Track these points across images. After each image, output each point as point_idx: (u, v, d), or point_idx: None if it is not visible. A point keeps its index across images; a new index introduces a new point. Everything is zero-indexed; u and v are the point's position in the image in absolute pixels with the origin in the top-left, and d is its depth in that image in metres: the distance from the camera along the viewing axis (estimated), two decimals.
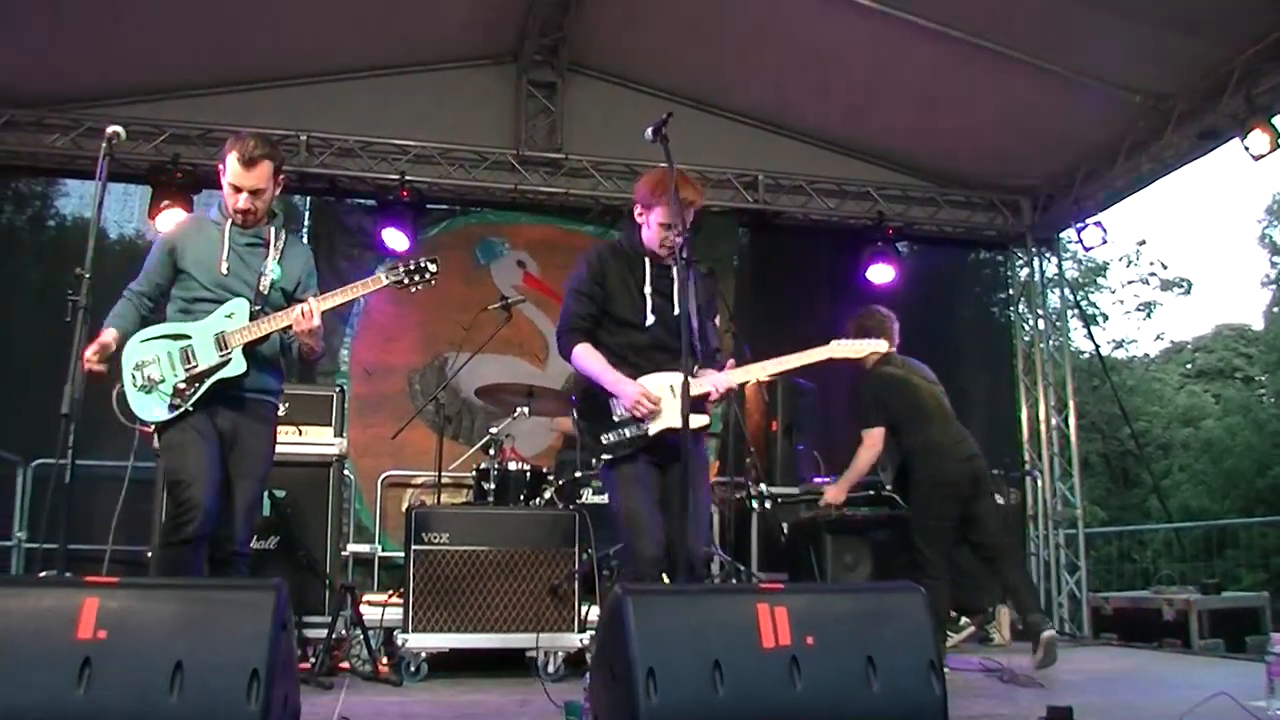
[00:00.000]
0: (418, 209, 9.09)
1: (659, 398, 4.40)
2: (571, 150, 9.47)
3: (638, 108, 9.07)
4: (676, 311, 4.49)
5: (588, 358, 4.53)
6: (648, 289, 4.55)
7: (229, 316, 4.51)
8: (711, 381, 4.47)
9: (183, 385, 4.43)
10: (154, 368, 4.45)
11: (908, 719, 3.05)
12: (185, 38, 8.13)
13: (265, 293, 4.59)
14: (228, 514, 4.46)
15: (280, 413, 5.67)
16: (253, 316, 4.51)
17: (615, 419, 4.49)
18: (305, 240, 9.25)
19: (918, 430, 6.47)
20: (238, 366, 4.47)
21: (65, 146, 8.55)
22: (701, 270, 4.69)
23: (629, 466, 4.46)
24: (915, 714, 3.05)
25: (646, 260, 4.62)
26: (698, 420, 4.30)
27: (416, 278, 4.74)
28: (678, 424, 4.16)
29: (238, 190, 4.56)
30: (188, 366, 4.45)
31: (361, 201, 9.38)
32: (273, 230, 4.73)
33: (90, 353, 4.31)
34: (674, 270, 4.54)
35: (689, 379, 4.05)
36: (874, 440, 6.46)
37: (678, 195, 4.39)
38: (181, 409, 4.41)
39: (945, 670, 3.23)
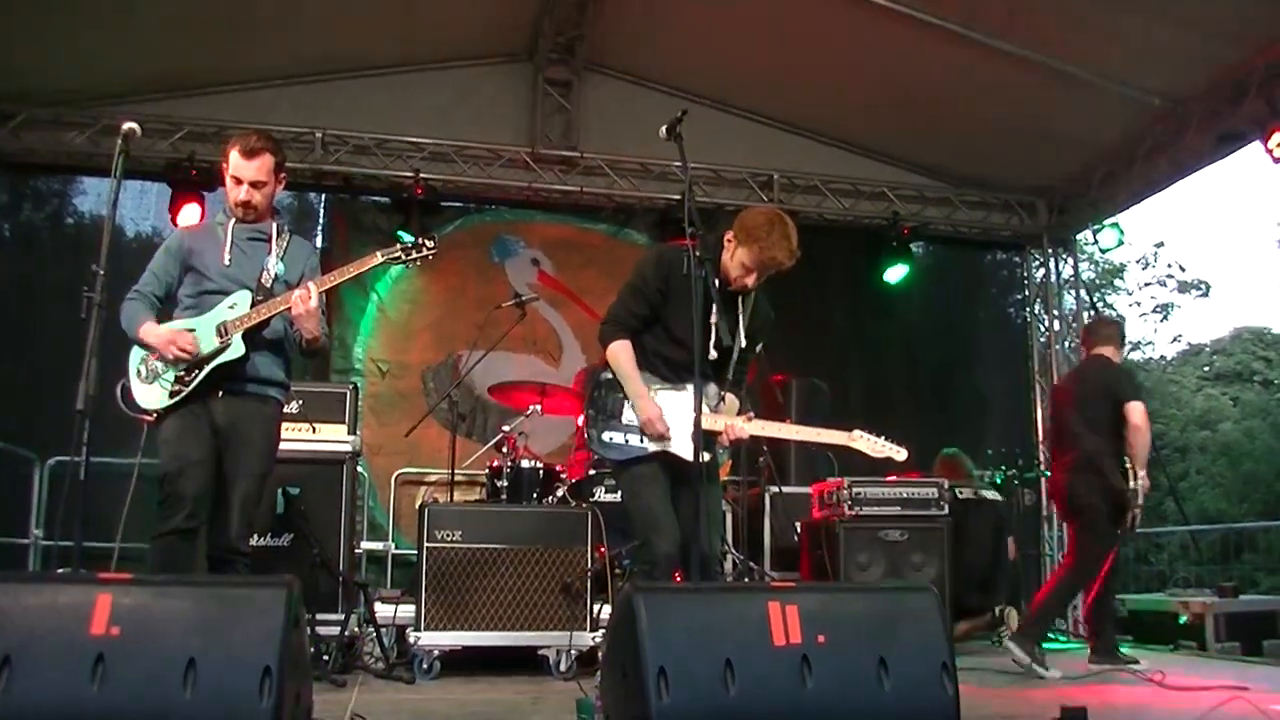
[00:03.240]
0: (432, 206, 9.11)
1: (668, 426, 4.38)
2: (587, 149, 9.48)
3: (654, 106, 9.05)
4: (727, 342, 4.49)
5: (624, 358, 4.49)
6: (714, 318, 4.43)
7: (231, 307, 4.54)
8: (726, 423, 4.45)
9: (183, 373, 4.46)
10: (158, 360, 4.50)
11: (920, 719, 3.05)
12: (202, 36, 8.14)
13: (268, 285, 4.61)
14: (223, 512, 4.48)
15: (293, 409, 5.68)
16: (254, 307, 4.53)
17: (623, 421, 4.48)
18: (319, 238, 9.32)
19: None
20: (236, 350, 4.47)
21: (83, 144, 8.59)
22: (761, 293, 4.68)
23: (642, 466, 4.44)
24: (927, 714, 3.05)
25: (718, 283, 4.51)
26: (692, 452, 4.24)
27: (414, 253, 4.72)
28: (684, 453, 4.33)
29: (239, 182, 4.61)
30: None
31: (376, 199, 9.40)
32: (275, 227, 4.77)
33: (180, 344, 4.41)
34: (739, 300, 4.56)
35: (702, 411, 4.11)
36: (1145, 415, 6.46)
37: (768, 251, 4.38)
38: (181, 395, 4.44)
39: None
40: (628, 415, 4.48)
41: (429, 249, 4.74)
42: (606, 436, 4.49)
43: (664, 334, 4.53)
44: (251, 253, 4.67)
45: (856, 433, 4.57)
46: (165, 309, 4.65)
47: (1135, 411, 6.43)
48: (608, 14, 8.58)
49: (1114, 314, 23.88)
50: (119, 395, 4.57)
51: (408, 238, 4.87)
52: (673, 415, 4.41)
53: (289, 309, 4.49)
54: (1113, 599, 6.93)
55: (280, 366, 4.75)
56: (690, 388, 4.25)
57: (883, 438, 4.57)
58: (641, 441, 4.43)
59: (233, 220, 4.68)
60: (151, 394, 4.49)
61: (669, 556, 4.30)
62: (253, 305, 4.53)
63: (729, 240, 4.50)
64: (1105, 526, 6.38)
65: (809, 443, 4.76)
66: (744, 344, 4.55)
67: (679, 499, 4.42)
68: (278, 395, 4.74)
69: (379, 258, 4.68)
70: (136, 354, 4.56)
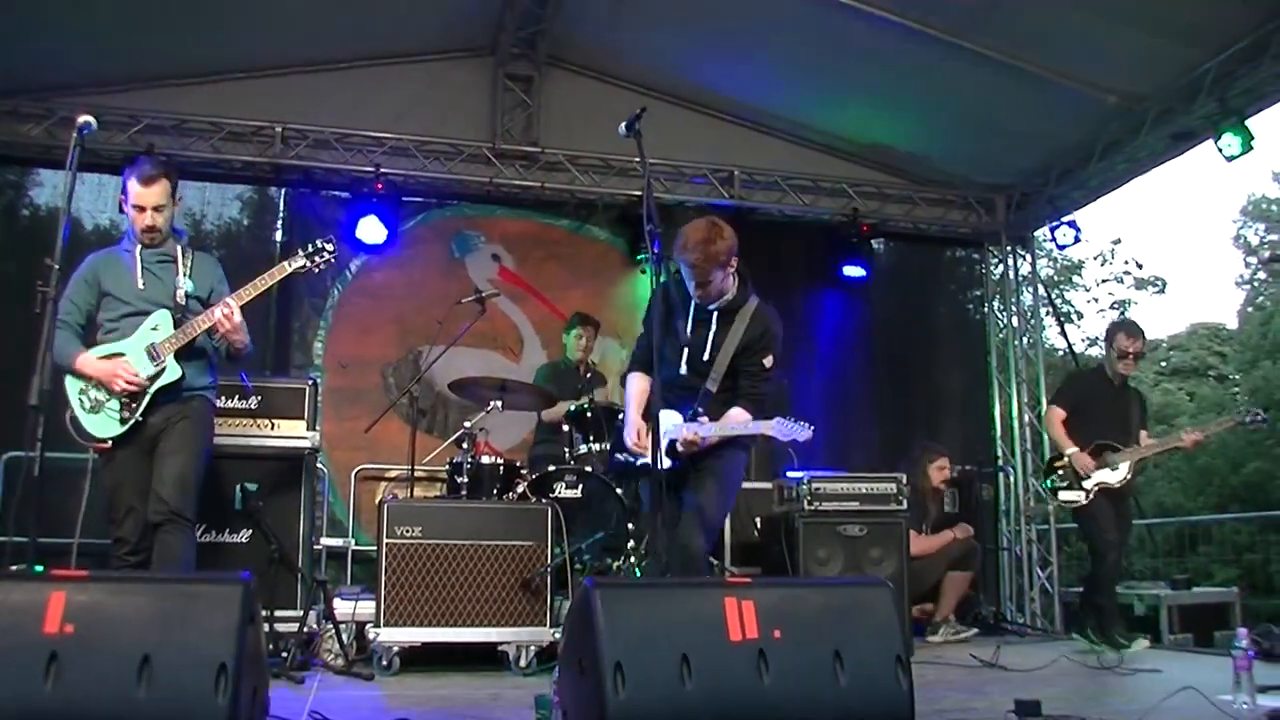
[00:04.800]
0: (393, 202, 9.05)
1: (644, 445, 4.91)
2: (548, 144, 9.44)
3: (615, 102, 9.05)
4: (706, 355, 4.96)
5: (627, 388, 5.21)
6: (687, 333, 4.98)
7: (154, 329, 4.83)
8: (680, 430, 4.89)
9: (127, 399, 4.74)
10: (96, 390, 4.77)
11: (875, 712, 3.07)
12: (162, 27, 8.06)
13: (183, 303, 4.92)
14: (158, 485, 4.75)
15: (252, 405, 5.83)
16: (176, 325, 4.84)
17: (626, 443, 5.09)
18: (279, 231, 9.26)
19: None
20: (173, 372, 4.81)
21: (39, 136, 8.45)
22: (761, 309, 5.08)
23: (643, 477, 5.15)
24: (882, 707, 3.08)
25: (693, 303, 4.98)
26: (664, 463, 4.63)
27: (318, 258, 5.11)
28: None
29: (141, 210, 4.91)
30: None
31: (336, 194, 9.29)
32: (179, 248, 5.07)
33: (123, 379, 4.71)
34: (716, 315, 4.98)
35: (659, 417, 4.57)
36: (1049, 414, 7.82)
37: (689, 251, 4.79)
38: (131, 421, 4.75)
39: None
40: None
41: (330, 252, 5.12)
42: (615, 456, 5.27)
43: (660, 358, 4.84)
44: (162, 274, 4.97)
45: (776, 419, 4.89)
46: (89, 332, 4.92)
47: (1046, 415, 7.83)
48: (569, 9, 8.57)
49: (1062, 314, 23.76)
50: (69, 426, 4.77)
51: (324, 246, 5.12)
52: (663, 429, 4.72)
53: (214, 327, 4.83)
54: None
55: (207, 373, 5.08)
56: (680, 402, 4.93)
57: (790, 420, 4.89)
58: (631, 458, 5.09)
59: (139, 246, 4.96)
60: (102, 424, 4.78)
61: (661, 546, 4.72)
62: (175, 324, 4.84)
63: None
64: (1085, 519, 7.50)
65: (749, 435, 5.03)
66: (729, 356, 4.94)
67: (682, 502, 4.95)
68: (208, 395, 5.07)
69: (287, 268, 5.06)
70: (74, 384, 4.79)
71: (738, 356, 4.94)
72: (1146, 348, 7.95)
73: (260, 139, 8.94)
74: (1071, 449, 7.42)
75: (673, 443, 4.86)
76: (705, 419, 4.92)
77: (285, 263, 5.07)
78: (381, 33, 8.92)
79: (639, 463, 5.05)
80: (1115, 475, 7.34)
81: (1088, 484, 7.36)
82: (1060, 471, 7.51)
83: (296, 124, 8.99)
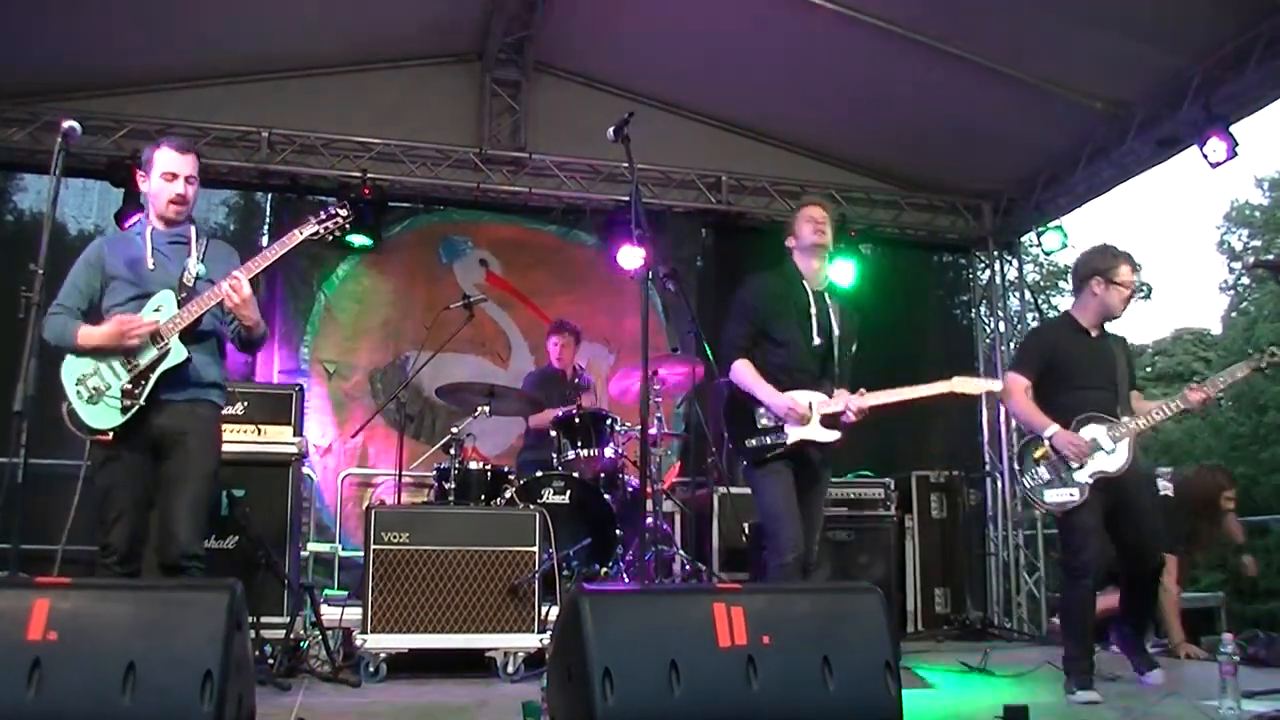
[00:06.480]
0: (380, 207, 9.02)
1: (807, 406, 5.00)
2: (535, 150, 9.43)
3: (602, 108, 9.03)
4: (817, 341, 5.17)
5: (746, 371, 5.10)
6: (814, 309, 5.18)
7: (157, 310, 4.54)
8: (845, 401, 5.04)
9: (129, 386, 4.46)
10: (96, 378, 4.49)
11: (863, 718, 3.07)
12: (146, 31, 8.03)
13: (190, 284, 4.62)
14: (170, 520, 4.47)
15: (238, 411, 5.69)
16: (180, 306, 4.54)
17: (758, 426, 5.04)
18: (265, 237, 9.21)
19: None
20: (178, 354, 4.50)
21: (23, 140, 8.41)
22: (848, 306, 5.45)
23: (774, 465, 5.03)
24: (870, 713, 3.07)
25: (805, 286, 5.24)
26: (832, 435, 5.05)
27: (330, 224, 4.83)
28: (815, 436, 5.02)
29: (173, 176, 4.67)
30: (129, 367, 4.48)
31: (323, 199, 9.22)
32: (193, 230, 4.82)
33: (132, 329, 4.44)
34: (826, 299, 5.27)
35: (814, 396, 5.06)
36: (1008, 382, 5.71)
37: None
38: (134, 408, 4.44)
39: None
40: (761, 421, 5.05)
41: (344, 216, 4.85)
42: (748, 442, 5.07)
43: (768, 343, 5.15)
44: (173, 255, 4.70)
45: (956, 379, 5.16)
46: (91, 319, 4.63)
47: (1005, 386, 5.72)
48: (557, 15, 8.56)
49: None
50: (66, 419, 4.51)
51: (338, 211, 4.90)
52: (807, 404, 5.05)
53: (223, 301, 4.52)
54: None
55: (216, 366, 4.78)
56: (812, 387, 5.09)
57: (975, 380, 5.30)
58: (774, 439, 5.01)
59: (150, 228, 4.72)
60: (102, 414, 4.47)
61: (796, 547, 4.92)
62: (179, 305, 4.55)
63: (791, 238, 5.39)
64: (1065, 525, 5.56)
65: (917, 398, 5.14)
66: (841, 340, 5.24)
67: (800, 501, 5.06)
68: (215, 398, 4.75)
69: (299, 235, 4.74)
70: (70, 374, 4.52)
71: (845, 345, 5.31)
72: None
73: (246, 144, 8.92)
74: (1052, 428, 5.37)
75: (836, 415, 5.04)
76: (862, 390, 5.14)
77: (297, 230, 4.75)
78: (368, 37, 8.90)
79: (790, 441, 4.98)
80: (1114, 460, 5.33)
81: (1081, 475, 5.33)
82: (1041, 466, 5.43)
83: (283, 129, 8.96)
